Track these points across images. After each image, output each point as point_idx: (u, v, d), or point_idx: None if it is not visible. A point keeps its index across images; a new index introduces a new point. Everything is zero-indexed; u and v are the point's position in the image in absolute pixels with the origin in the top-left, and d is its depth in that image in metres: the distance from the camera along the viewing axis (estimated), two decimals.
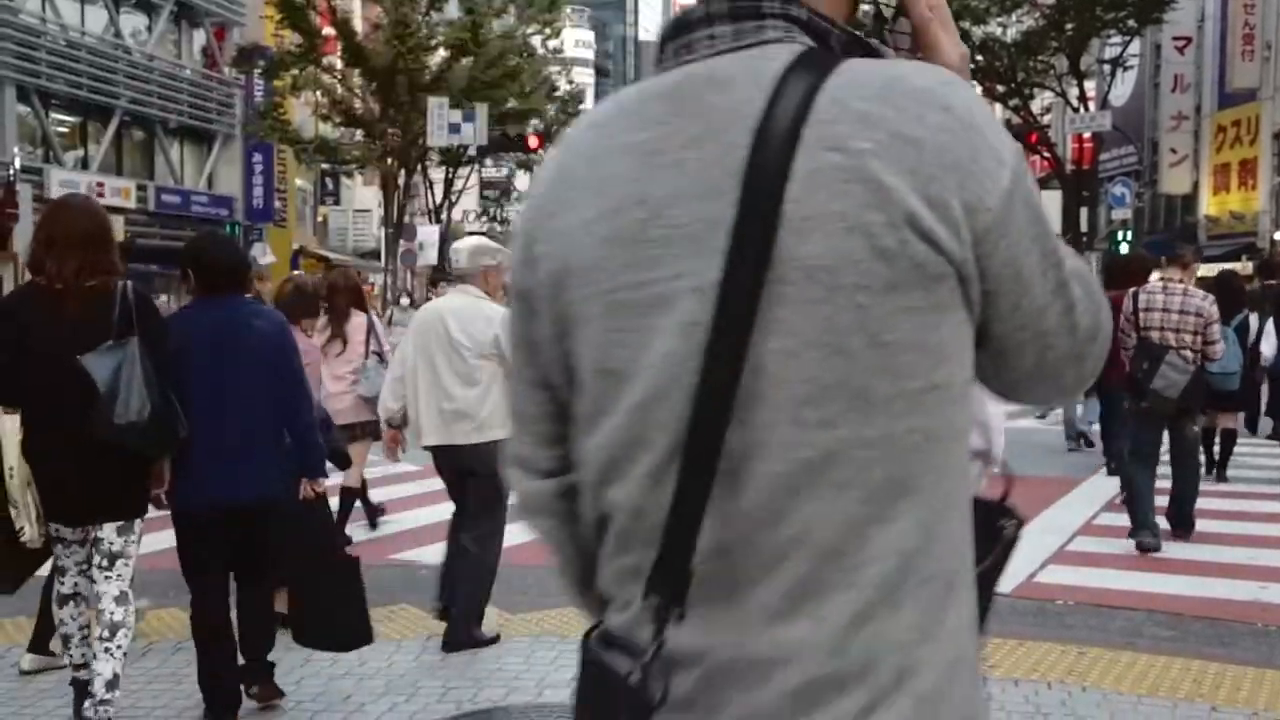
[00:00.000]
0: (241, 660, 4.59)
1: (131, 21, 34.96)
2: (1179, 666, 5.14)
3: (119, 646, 4.18)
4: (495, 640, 5.57)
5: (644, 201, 1.13)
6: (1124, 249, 27.47)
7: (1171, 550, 7.60)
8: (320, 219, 50.10)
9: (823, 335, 1.05)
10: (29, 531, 4.16)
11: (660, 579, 1.10)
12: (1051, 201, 37.04)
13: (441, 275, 31.50)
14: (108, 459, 4.14)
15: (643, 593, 1.12)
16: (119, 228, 31.67)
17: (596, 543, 1.23)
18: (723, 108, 1.11)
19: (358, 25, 35.21)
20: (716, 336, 1.06)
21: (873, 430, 1.06)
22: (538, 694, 4.88)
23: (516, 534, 8.21)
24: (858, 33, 1.21)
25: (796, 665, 1.08)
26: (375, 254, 44.99)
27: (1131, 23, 28.75)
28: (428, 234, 36.36)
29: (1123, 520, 8.24)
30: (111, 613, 4.20)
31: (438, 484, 10.30)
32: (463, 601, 5.55)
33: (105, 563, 4.25)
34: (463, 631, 5.49)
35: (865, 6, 1.27)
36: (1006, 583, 6.19)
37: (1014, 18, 31.57)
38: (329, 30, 32.65)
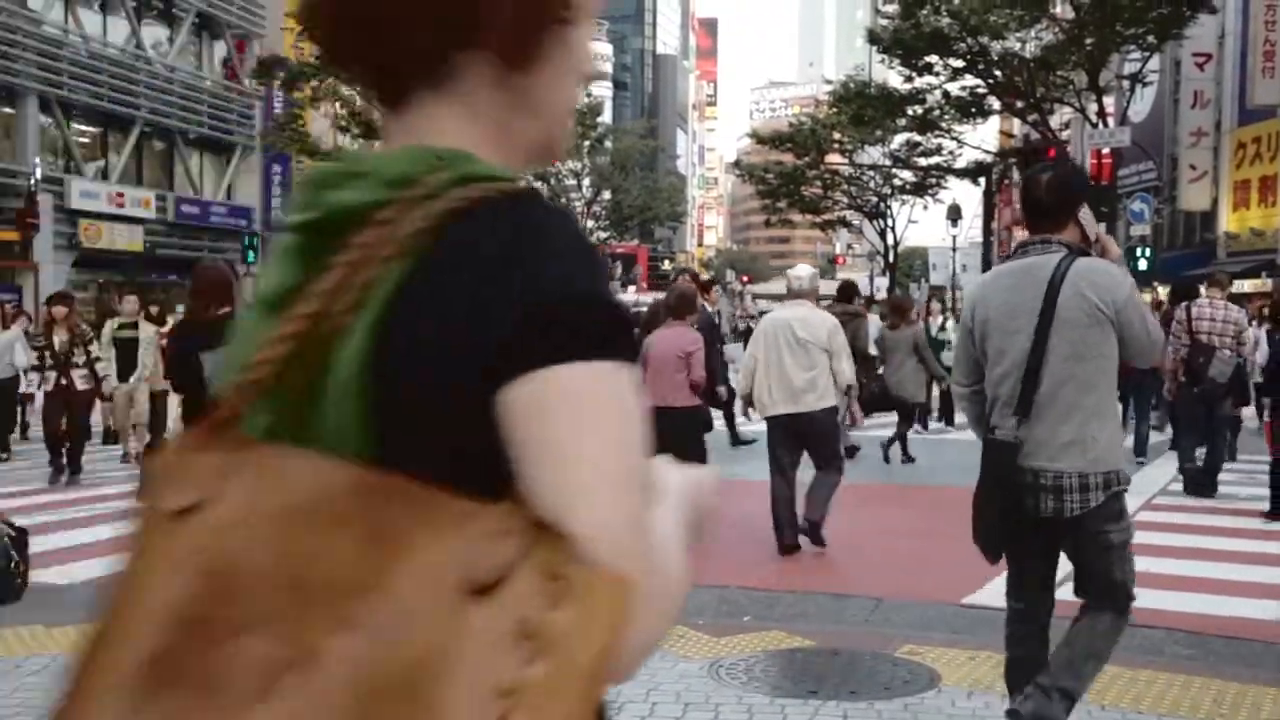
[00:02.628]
0: None
1: (153, 33, 35.18)
2: (1199, 685, 5.11)
3: None
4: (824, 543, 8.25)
5: (1016, 299, 3.94)
6: (1143, 265, 27.33)
7: (1193, 569, 7.55)
8: None
9: (1069, 338, 3.84)
10: None
11: (1020, 414, 3.88)
12: None
13: None
14: None
15: (1015, 420, 3.87)
16: (138, 237, 31.96)
17: (985, 408, 4.06)
18: (1038, 272, 3.90)
19: None
20: (1038, 338, 3.85)
21: (1087, 366, 3.86)
22: None
23: None
24: (1082, 247, 4.00)
25: (1063, 439, 3.84)
26: None
27: (1151, 39, 28.65)
28: None
29: (1142, 538, 8.20)
30: None
31: None
32: (820, 506, 8.16)
33: None
34: (818, 528, 8.18)
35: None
36: None
37: (1033, 33, 31.49)
38: None
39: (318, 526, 0.87)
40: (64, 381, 11.93)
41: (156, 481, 0.92)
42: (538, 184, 54.68)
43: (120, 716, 0.85)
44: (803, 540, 8.19)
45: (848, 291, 13.13)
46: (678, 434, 8.04)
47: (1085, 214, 4.01)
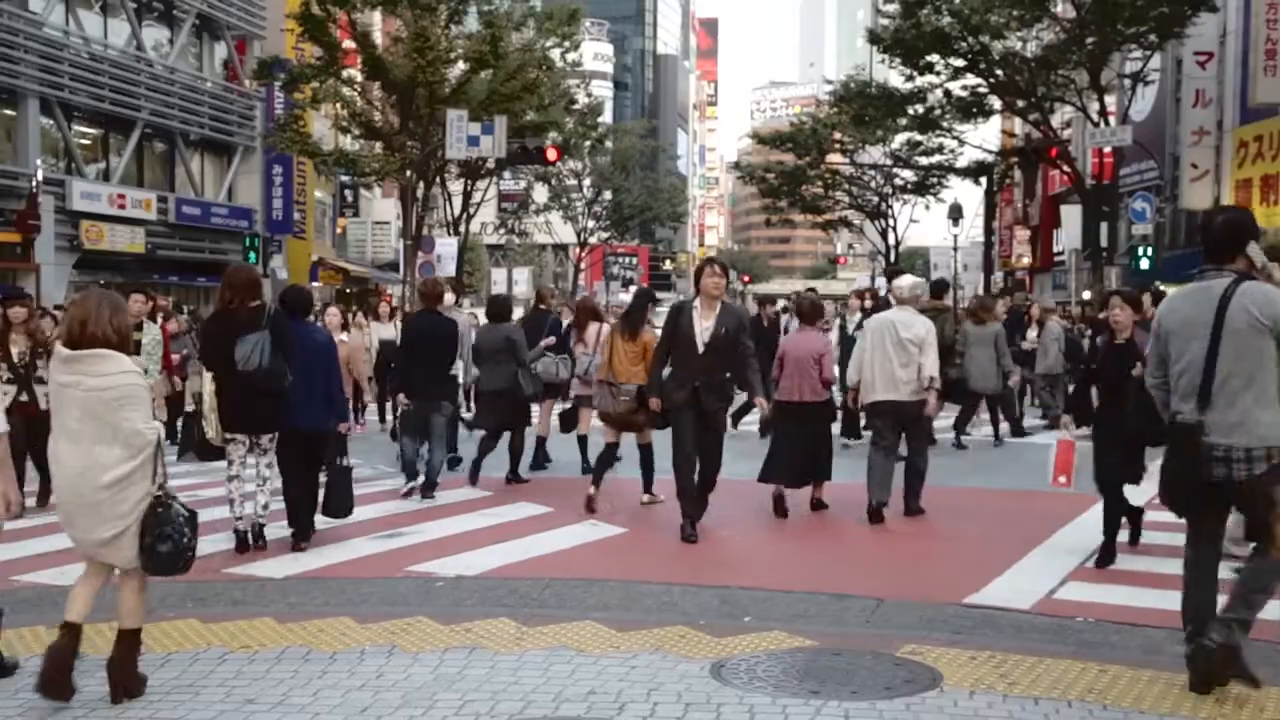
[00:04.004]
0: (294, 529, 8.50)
1: (153, 34, 35.19)
2: None
3: (267, 492, 8.38)
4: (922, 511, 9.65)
5: (1194, 313, 5.17)
6: (1145, 264, 27.33)
7: None
8: (339, 231, 50.24)
9: (1238, 345, 5.01)
10: (211, 434, 8.27)
11: (1200, 402, 5.08)
12: (1072, 216, 36.82)
13: (459, 286, 31.30)
14: (259, 398, 7.98)
15: (1195, 406, 5.09)
16: (139, 239, 31.96)
17: (1168, 397, 5.31)
18: (1212, 292, 5.12)
19: (378, 38, 35.30)
20: (1212, 343, 5.05)
21: (1249, 364, 5.00)
22: (554, 708, 4.86)
23: (531, 549, 8.22)
24: (1250, 273, 5.27)
25: (1231, 420, 4.99)
26: (394, 266, 45.07)
27: (1153, 37, 28.62)
28: (446, 246, 36.39)
29: (1146, 538, 8.19)
30: (265, 475, 8.37)
31: (455, 497, 10.30)
32: (916, 483, 9.69)
33: (262, 453, 8.35)
34: (915, 505, 9.65)
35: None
36: (1026, 599, 6.17)
37: (1034, 32, 31.45)
38: (349, 43, 32.74)
39: None
40: (24, 398, 9.82)
41: None
42: (538, 185, 54.74)
43: None
44: (801, 540, 8.18)
45: (940, 289, 15.11)
46: (812, 425, 9.83)
47: (1253, 248, 5.37)
